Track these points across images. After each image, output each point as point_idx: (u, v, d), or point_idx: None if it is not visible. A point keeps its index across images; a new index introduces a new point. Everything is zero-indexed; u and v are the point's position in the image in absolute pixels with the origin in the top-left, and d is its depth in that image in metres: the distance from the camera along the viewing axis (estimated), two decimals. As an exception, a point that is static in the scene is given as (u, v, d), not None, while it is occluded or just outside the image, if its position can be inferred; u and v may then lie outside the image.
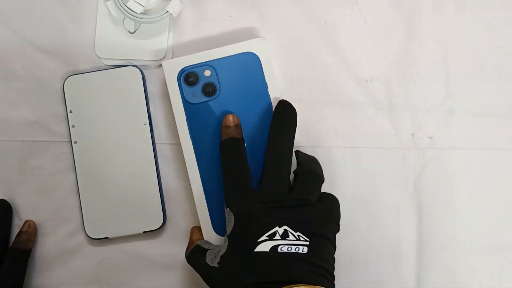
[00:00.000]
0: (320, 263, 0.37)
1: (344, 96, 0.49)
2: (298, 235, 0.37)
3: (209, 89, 0.44)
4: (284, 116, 0.42)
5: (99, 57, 0.48)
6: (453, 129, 0.48)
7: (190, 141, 0.44)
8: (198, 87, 0.44)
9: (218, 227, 0.44)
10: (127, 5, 0.46)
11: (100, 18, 0.48)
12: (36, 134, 0.48)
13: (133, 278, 0.48)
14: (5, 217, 0.47)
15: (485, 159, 0.48)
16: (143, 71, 0.48)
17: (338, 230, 0.40)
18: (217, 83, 0.44)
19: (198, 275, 0.47)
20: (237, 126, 0.43)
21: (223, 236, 0.44)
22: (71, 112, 0.47)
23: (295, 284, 0.35)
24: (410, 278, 0.48)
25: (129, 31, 0.48)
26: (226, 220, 0.40)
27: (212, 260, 0.39)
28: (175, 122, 0.46)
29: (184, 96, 0.45)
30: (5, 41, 0.49)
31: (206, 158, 0.44)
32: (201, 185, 0.45)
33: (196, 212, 0.45)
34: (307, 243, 0.37)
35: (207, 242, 0.43)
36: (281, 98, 0.44)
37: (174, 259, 0.48)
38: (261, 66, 0.45)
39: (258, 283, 0.36)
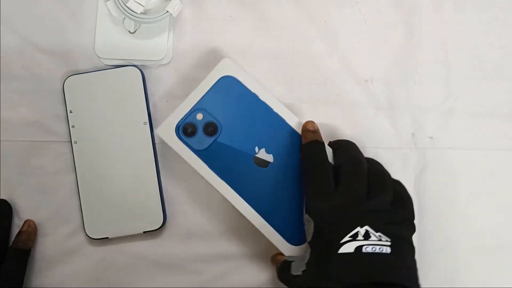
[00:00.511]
0: (405, 263, 0.37)
1: (344, 96, 0.49)
2: (380, 235, 0.36)
3: (211, 129, 0.44)
4: (343, 141, 0.43)
5: (99, 57, 0.48)
6: (453, 129, 0.48)
7: (224, 182, 0.44)
8: (200, 133, 0.44)
9: (292, 238, 0.44)
10: (127, 5, 0.46)
11: (100, 18, 0.48)
12: (36, 134, 0.48)
13: (133, 278, 0.48)
14: (5, 217, 0.47)
15: (485, 159, 0.48)
16: (143, 71, 0.48)
17: (414, 231, 0.39)
18: (214, 120, 0.44)
19: (197, 276, 0.48)
20: (317, 131, 0.43)
21: (300, 245, 0.44)
22: (71, 112, 0.47)
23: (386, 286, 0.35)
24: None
25: (129, 31, 0.48)
26: (306, 227, 0.39)
27: (296, 269, 0.39)
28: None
29: (192, 148, 0.44)
30: (5, 41, 0.49)
31: (244, 187, 0.44)
32: (255, 212, 0.44)
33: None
34: (389, 243, 0.36)
35: (292, 256, 0.42)
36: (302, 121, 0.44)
37: (174, 259, 0.48)
38: (241, 83, 0.44)
39: (355, 286, 0.35)
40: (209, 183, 0.43)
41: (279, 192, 0.44)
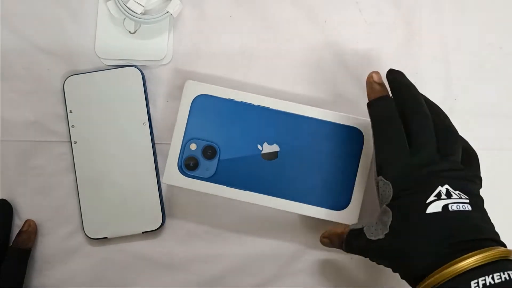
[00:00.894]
0: (485, 218, 0.37)
1: (344, 96, 0.48)
2: (459, 193, 0.36)
3: (210, 152, 0.44)
4: (402, 83, 0.41)
5: (99, 57, 0.48)
6: (453, 129, 0.48)
7: (248, 191, 0.44)
8: (202, 161, 0.44)
9: (336, 205, 0.44)
10: (127, 5, 0.46)
11: (100, 18, 0.48)
12: (36, 134, 0.48)
13: (133, 278, 0.48)
14: (5, 217, 0.47)
15: (485, 159, 0.48)
16: (143, 71, 0.48)
17: (481, 186, 0.39)
18: (209, 142, 0.44)
19: (197, 276, 0.47)
20: (383, 84, 0.41)
21: (346, 207, 0.44)
22: (71, 112, 0.47)
23: (485, 243, 0.35)
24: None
25: (129, 32, 0.48)
26: (381, 189, 0.38)
27: (374, 233, 0.38)
28: (175, 123, 0.46)
29: (203, 177, 0.44)
30: (5, 41, 0.49)
31: (270, 185, 0.44)
32: (291, 202, 0.44)
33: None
34: (468, 200, 0.36)
35: (357, 224, 0.41)
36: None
37: (173, 259, 0.48)
38: (215, 96, 0.44)
39: (452, 244, 0.35)
40: (238, 200, 0.44)
41: (300, 172, 0.44)
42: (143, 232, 0.47)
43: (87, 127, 0.47)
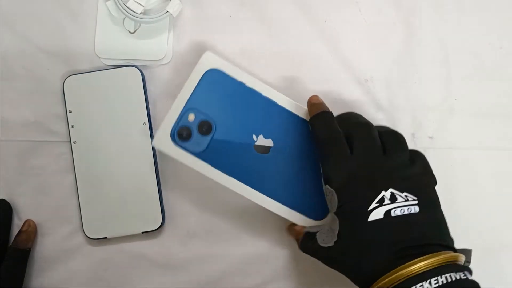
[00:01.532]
0: (434, 219, 0.37)
1: (344, 96, 0.49)
2: (406, 195, 0.36)
3: (205, 128, 0.43)
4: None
5: (99, 57, 0.48)
6: (453, 129, 0.48)
7: (231, 178, 0.43)
8: (196, 134, 0.43)
9: (314, 214, 0.43)
10: (127, 5, 0.46)
11: (100, 18, 0.48)
12: (36, 134, 0.48)
13: (133, 278, 0.48)
14: (5, 217, 0.47)
15: (485, 159, 0.48)
16: (143, 71, 0.48)
17: (436, 182, 0.39)
18: (207, 118, 0.43)
19: (197, 276, 0.48)
20: (322, 103, 0.42)
21: (323, 218, 0.43)
22: (70, 112, 0.47)
23: (426, 248, 0.34)
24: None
25: (129, 31, 0.48)
26: (328, 198, 0.39)
27: (325, 240, 0.38)
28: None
29: (191, 151, 0.43)
30: (5, 41, 0.49)
31: (254, 178, 0.43)
32: (268, 197, 0.43)
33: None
34: (416, 201, 0.36)
35: (313, 227, 0.42)
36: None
37: (173, 259, 0.48)
38: (226, 73, 0.43)
39: (397, 251, 0.35)
40: (218, 183, 0.43)
41: (287, 173, 0.44)
42: (143, 232, 0.47)
43: (87, 127, 0.47)
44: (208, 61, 0.43)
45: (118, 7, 0.47)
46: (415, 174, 0.37)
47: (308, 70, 0.49)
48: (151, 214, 0.47)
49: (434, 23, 0.49)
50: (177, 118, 0.43)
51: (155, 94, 0.49)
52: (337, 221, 0.38)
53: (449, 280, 0.33)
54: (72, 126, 0.47)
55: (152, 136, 0.47)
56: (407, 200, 0.36)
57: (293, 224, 0.43)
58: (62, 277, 0.48)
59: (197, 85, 0.43)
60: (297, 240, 0.42)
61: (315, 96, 0.43)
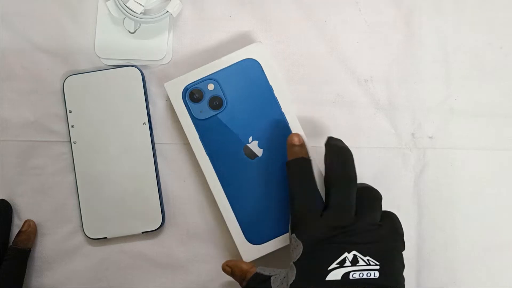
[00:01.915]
0: (392, 285, 0.36)
1: (344, 96, 0.49)
2: (368, 260, 0.36)
3: (216, 103, 0.44)
4: (337, 146, 0.41)
5: (99, 57, 0.48)
6: (453, 129, 0.48)
7: (207, 157, 0.44)
8: (205, 103, 0.44)
9: (251, 237, 0.44)
10: (127, 5, 0.46)
11: (100, 18, 0.48)
12: (36, 134, 0.48)
13: (133, 278, 0.48)
14: (5, 217, 0.47)
15: (485, 159, 0.48)
16: (143, 71, 0.48)
17: (404, 248, 0.39)
18: (222, 95, 0.44)
19: (197, 276, 0.48)
20: (303, 145, 0.42)
21: (257, 245, 0.44)
22: (70, 112, 0.47)
23: None
24: (410, 278, 0.48)
25: (129, 31, 0.48)
26: (292, 246, 0.39)
27: (278, 284, 0.38)
28: (175, 123, 0.47)
29: (192, 113, 0.45)
30: (5, 41, 0.49)
31: (225, 171, 0.44)
32: (226, 198, 0.44)
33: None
34: (378, 267, 0.36)
35: (265, 269, 0.41)
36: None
37: (173, 259, 0.48)
38: (263, 70, 0.45)
39: None
40: (194, 155, 0.44)
41: (256, 189, 0.44)
42: (143, 232, 0.47)
43: (86, 127, 0.47)
44: (255, 51, 0.45)
45: (118, 7, 0.47)
46: (382, 238, 0.37)
47: (308, 70, 0.49)
48: (151, 214, 0.47)
49: (434, 23, 0.49)
50: (199, 80, 0.44)
51: (155, 94, 0.49)
52: (294, 272, 0.37)
53: None
54: (72, 126, 0.47)
55: (152, 136, 0.47)
56: (369, 264, 0.35)
57: (234, 261, 0.43)
58: (62, 277, 0.48)
59: (232, 64, 0.44)
60: (240, 278, 0.42)
61: (296, 136, 0.42)
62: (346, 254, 0.36)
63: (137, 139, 0.47)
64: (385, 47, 0.49)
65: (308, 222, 0.38)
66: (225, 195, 0.44)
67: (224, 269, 0.43)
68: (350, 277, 0.35)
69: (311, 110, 0.48)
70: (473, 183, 0.48)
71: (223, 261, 0.47)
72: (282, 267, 0.41)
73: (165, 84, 0.45)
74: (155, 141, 0.48)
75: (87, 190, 0.47)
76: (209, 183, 0.44)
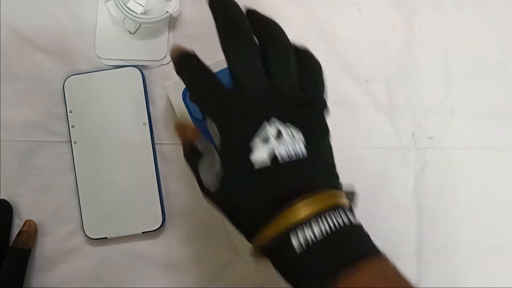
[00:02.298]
0: (323, 164, 0.32)
1: (344, 96, 0.49)
2: (291, 131, 0.31)
3: None
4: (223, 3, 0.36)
5: (99, 57, 0.48)
6: (453, 129, 0.48)
7: None
8: None
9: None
10: (127, 5, 0.46)
11: (100, 18, 0.48)
12: (36, 134, 0.48)
13: (133, 278, 0.48)
14: (5, 217, 0.47)
15: (485, 159, 0.48)
16: (143, 71, 0.48)
17: (325, 106, 0.34)
18: None
19: (197, 276, 0.48)
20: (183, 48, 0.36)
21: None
22: (71, 112, 0.47)
23: (308, 194, 0.30)
24: (410, 278, 0.47)
25: (129, 32, 0.48)
26: (212, 133, 0.34)
27: (208, 182, 0.34)
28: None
29: (192, 113, 0.44)
30: (5, 41, 0.49)
31: None
32: None
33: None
34: (302, 138, 0.31)
35: (202, 145, 0.36)
36: None
37: (173, 259, 0.48)
38: None
39: (279, 199, 0.30)
40: None
41: None
42: (143, 232, 0.47)
43: (87, 127, 0.47)
44: None
45: (118, 7, 0.46)
46: (304, 105, 0.32)
47: (308, 70, 0.49)
48: (151, 214, 0.47)
49: (434, 23, 0.49)
50: None
51: (155, 94, 0.49)
52: (219, 162, 0.32)
53: (332, 226, 0.29)
54: (73, 126, 0.47)
55: (152, 136, 0.47)
56: (293, 136, 0.31)
57: (186, 126, 0.38)
58: (62, 277, 0.48)
59: None
60: (183, 144, 0.37)
61: (175, 46, 0.36)
62: (266, 125, 0.31)
63: (137, 139, 0.47)
64: (385, 47, 0.49)
65: (215, 96, 0.33)
66: None
67: (176, 133, 0.39)
68: (280, 159, 0.30)
69: (311, 110, 0.48)
70: (473, 183, 0.48)
71: (223, 261, 0.48)
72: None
73: (165, 84, 0.44)
74: (155, 141, 0.48)
75: (87, 190, 0.47)
76: None
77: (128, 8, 0.46)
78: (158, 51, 0.48)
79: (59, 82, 0.48)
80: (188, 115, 0.44)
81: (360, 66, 0.49)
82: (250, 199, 0.31)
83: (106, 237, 0.47)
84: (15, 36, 0.49)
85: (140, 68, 0.48)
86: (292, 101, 0.32)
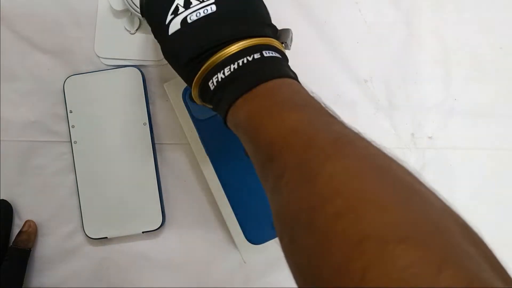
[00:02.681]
0: (236, 13, 0.32)
1: (344, 96, 0.49)
2: None
3: None
4: None
5: (99, 57, 0.48)
6: (453, 129, 0.48)
7: (207, 157, 0.44)
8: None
9: (251, 237, 0.44)
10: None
11: (100, 18, 0.48)
12: (36, 134, 0.48)
13: (133, 278, 0.48)
14: (5, 217, 0.47)
15: (485, 159, 0.48)
16: (143, 71, 0.48)
17: None
18: None
19: (197, 276, 0.48)
20: None
21: (258, 245, 0.44)
22: (71, 112, 0.47)
23: (225, 45, 0.31)
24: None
25: (129, 32, 0.48)
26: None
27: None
28: (175, 123, 0.47)
29: (192, 113, 0.44)
30: (5, 41, 0.49)
31: (225, 171, 0.44)
32: (226, 198, 0.44)
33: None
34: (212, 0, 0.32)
35: None
36: None
37: (173, 259, 0.48)
38: None
39: (194, 57, 0.31)
40: (194, 154, 0.44)
41: (256, 189, 0.44)
42: (143, 232, 0.47)
43: (87, 127, 0.47)
44: None
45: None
46: None
47: (308, 70, 0.49)
48: (151, 214, 0.47)
49: (434, 23, 0.49)
50: None
51: (155, 94, 0.49)
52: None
53: (241, 62, 0.30)
54: (73, 126, 0.47)
55: (152, 136, 0.47)
56: (203, 1, 0.32)
57: None
58: (62, 277, 0.48)
59: None
60: None
61: None
62: (176, 1, 0.32)
63: (137, 139, 0.47)
64: (385, 47, 0.49)
65: None
66: (225, 195, 0.44)
67: None
68: (189, 20, 0.32)
69: (311, 110, 0.48)
70: (473, 183, 0.48)
71: (222, 261, 0.48)
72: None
73: (165, 84, 0.44)
74: (155, 141, 0.48)
75: (87, 190, 0.47)
76: (209, 183, 0.44)
77: (131, 1, 0.45)
78: (158, 51, 0.48)
79: (59, 82, 0.48)
80: (188, 114, 0.44)
81: (360, 66, 0.49)
82: (172, 63, 0.34)
83: (106, 237, 0.47)
84: (15, 36, 0.49)
85: (140, 68, 0.48)
86: None
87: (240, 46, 0.31)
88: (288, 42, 0.34)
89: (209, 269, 0.48)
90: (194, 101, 0.43)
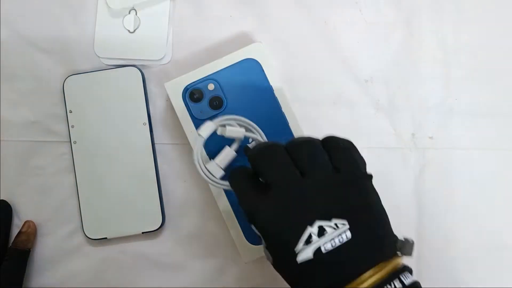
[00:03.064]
0: (370, 237, 0.32)
1: (344, 96, 0.49)
2: (335, 224, 0.31)
3: (216, 103, 0.44)
4: None
5: (99, 57, 0.48)
6: (453, 129, 0.48)
7: (207, 157, 0.44)
8: (205, 103, 0.44)
9: (251, 237, 0.44)
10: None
11: (100, 17, 0.48)
12: (36, 134, 0.48)
13: (133, 278, 0.48)
14: (5, 217, 0.47)
15: (485, 159, 0.48)
16: (143, 71, 0.48)
17: (370, 176, 0.34)
18: (222, 95, 0.44)
19: (197, 276, 0.47)
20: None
21: (258, 245, 0.44)
22: (71, 112, 0.47)
23: (360, 275, 0.30)
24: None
25: (128, 31, 0.48)
26: (258, 235, 0.35)
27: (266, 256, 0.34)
28: (175, 123, 0.47)
29: (192, 113, 0.44)
30: (5, 41, 0.49)
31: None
32: (226, 198, 0.44)
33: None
34: (347, 226, 0.31)
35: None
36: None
37: (173, 259, 0.48)
38: (263, 70, 0.45)
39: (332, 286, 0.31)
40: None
41: None
42: (143, 232, 0.47)
43: (87, 127, 0.47)
44: (255, 51, 0.44)
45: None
46: (340, 185, 0.32)
47: (308, 71, 0.49)
48: (151, 214, 0.47)
49: (434, 23, 0.49)
50: (199, 80, 0.44)
51: (155, 94, 0.49)
52: (269, 256, 0.34)
53: None
54: (72, 126, 0.47)
55: (152, 136, 0.47)
56: (337, 228, 0.31)
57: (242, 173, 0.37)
58: (62, 277, 0.48)
59: (233, 64, 0.44)
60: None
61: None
62: (309, 228, 0.31)
63: (137, 139, 0.47)
64: (385, 47, 0.49)
65: (255, 207, 0.33)
66: (225, 195, 0.44)
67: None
68: (323, 250, 0.31)
69: (311, 110, 0.48)
70: (473, 183, 0.48)
71: (222, 261, 0.48)
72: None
73: (165, 84, 0.44)
74: (155, 141, 0.48)
75: (87, 190, 0.47)
76: (210, 186, 0.44)
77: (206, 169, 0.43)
78: (158, 50, 0.48)
79: (59, 82, 0.48)
80: (188, 114, 0.44)
81: (360, 66, 0.49)
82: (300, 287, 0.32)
83: (106, 237, 0.47)
84: (15, 36, 0.49)
85: (139, 67, 0.48)
86: (332, 196, 0.32)
87: (378, 277, 0.30)
88: (411, 253, 0.34)
89: (208, 269, 0.48)
90: (194, 101, 0.43)
